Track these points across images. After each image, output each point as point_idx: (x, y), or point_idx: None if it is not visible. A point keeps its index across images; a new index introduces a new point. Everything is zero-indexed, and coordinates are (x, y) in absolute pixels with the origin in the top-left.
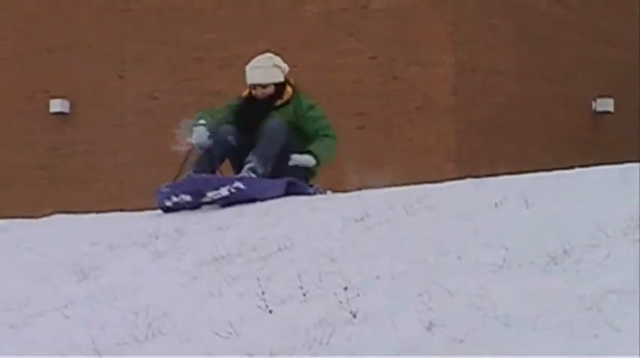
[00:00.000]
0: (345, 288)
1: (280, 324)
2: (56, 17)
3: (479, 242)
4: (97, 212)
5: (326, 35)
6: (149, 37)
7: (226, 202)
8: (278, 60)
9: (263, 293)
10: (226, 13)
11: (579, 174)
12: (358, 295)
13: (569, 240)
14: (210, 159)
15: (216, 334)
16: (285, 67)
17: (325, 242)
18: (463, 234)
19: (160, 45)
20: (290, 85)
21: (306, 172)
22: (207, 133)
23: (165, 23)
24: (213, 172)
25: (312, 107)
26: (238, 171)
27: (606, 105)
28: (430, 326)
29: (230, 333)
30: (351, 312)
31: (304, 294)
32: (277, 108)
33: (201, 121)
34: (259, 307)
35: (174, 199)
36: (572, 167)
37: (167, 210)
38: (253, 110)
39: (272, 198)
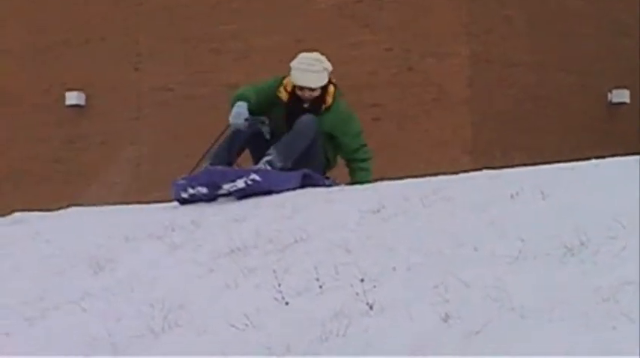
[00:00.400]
0: (362, 280)
1: (296, 316)
2: (72, 10)
3: (495, 233)
4: (113, 204)
5: (340, 27)
6: (164, 29)
7: (242, 194)
8: (326, 63)
9: (279, 285)
10: (241, 5)
11: (595, 165)
12: (374, 287)
13: (586, 232)
14: (230, 150)
15: (233, 326)
16: (331, 69)
17: (341, 233)
18: (479, 226)
19: (175, 37)
20: (333, 84)
21: (324, 165)
22: (247, 115)
23: (180, 15)
24: (230, 164)
25: (350, 118)
26: (257, 163)
27: (622, 96)
28: (446, 318)
29: (246, 325)
30: (367, 304)
31: (320, 286)
32: (321, 114)
33: (241, 102)
34: (275, 299)
35: (191, 191)
36: (588, 158)
37: (183, 201)
38: (295, 113)
39: (288, 190)
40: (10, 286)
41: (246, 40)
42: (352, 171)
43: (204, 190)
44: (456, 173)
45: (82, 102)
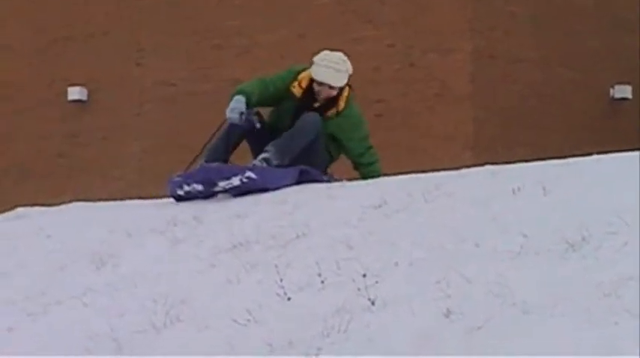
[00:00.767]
0: (364, 275)
1: (298, 312)
2: (74, 6)
3: (497, 229)
4: (116, 200)
5: (343, 23)
6: (167, 24)
7: (238, 192)
8: (349, 65)
9: (281, 280)
10: (244, 1)
11: (597, 160)
12: (376, 282)
13: (588, 227)
14: (226, 145)
15: (235, 321)
16: (351, 71)
17: (343, 229)
18: (481, 221)
19: (178, 33)
20: (349, 87)
21: (328, 161)
22: (243, 109)
23: (183, 11)
24: (226, 160)
25: (359, 124)
26: (255, 158)
27: (624, 92)
28: (448, 314)
29: (248, 320)
30: (369, 299)
31: (322, 281)
32: (329, 117)
33: (239, 97)
34: (278, 294)
35: (186, 188)
36: (589, 154)
37: (179, 198)
38: (304, 110)
39: (285, 186)
40: (12, 281)
41: (248, 36)
42: (362, 176)
43: (199, 187)
44: (458, 168)
45: (85, 97)
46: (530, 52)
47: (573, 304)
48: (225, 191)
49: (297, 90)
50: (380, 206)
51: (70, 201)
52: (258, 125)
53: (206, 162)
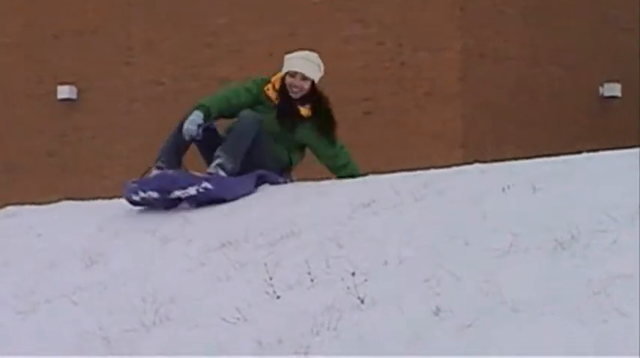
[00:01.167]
0: (353, 274)
1: (288, 310)
2: (63, 3)
3: (486, 227)
4: (106, 198)
5: (333, 21)
6: (157, 22)
7: (196, 202)
8: (321, 62)
9: (271, 278)
10: None
11: (587, 158)
12: (366, 280)
13: (577, 225)
14: (179, 147)
15: (224, 320)
16: (323, 71)
17: (332, 227)
18: (471, 219)
19: (168, 30)
20: (316, 96)
21: (281, 166)
22: (200, 122)
23: (172, 8)
24: (180, 161)
25: (328, 133)
26: (207, 155)
27: (614, 90)
28: (438, 311)
29: (238, 319)
30: (358, 298)
31: (312, 280)
32: (301, 120)
33: (198, 112)
34: (267, 293)
35: (142, 194)
36: (579, 152)
37: (134, 203)
38: (285, 110)
39: (243, 195)
40: (2, 280)
41: (239, 34)
42: (341, 177)
43: (155, 195)
44: (448, 166)
45: (74, 95)
46: (520, 50)
47: (563, 302)
48: (181, 200)
49: (272, 94)
50: (369, 204)
51: (60, 200)
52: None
53: (160, 166)
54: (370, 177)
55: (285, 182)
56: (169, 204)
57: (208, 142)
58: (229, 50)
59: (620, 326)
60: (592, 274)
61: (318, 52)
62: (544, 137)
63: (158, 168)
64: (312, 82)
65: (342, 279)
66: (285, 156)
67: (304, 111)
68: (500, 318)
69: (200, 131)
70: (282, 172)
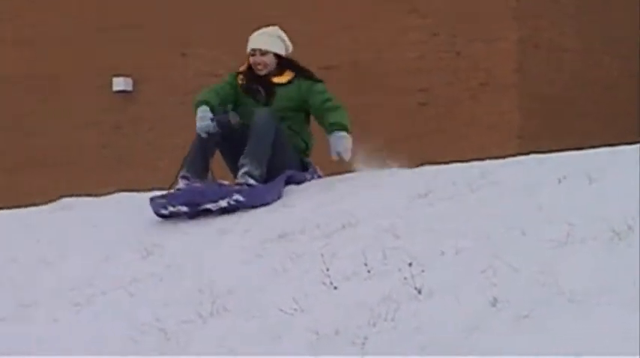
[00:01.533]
0: (410, 264)
1: (345, 301)
2: None
3: (542, 217)
4: (161, 190)
5: (388, 12)
6: (213, 14)
7: (225, 212)
8: (283, 35)
9: (327, 270)
10: None
11: None
12: (423, 271)
13: (633, 216)
14: (204, 154)
15: (281, 311)
16: (289, 45)
17: (389, 218)
18: (527, 210)
19: (224, 22)
20: (293, 66)
21: (303, 149)
22: (211, 115)
23: (227, 0)
24: (207, 169)
25: (315, 82)
26: (232, 162)
27: None
28: (495, 302)
29: (295, 310)
30: (415, 288)
31: (369, 271)
32: (279, 86)
33: (203, 107)
34: (324, 284)
35: (171, 209)
36: (634, 142)
37: (163, 216)
38: (254, 86)
39: (274, 200)
40: (58, 272)
41: (293, 26)
42: (326, 120)
43: (184, 208)
44: (504, 157)
45: (130, 87)
46: (575, 41)
47: (619, 292)
48: (212, 211)
49: (240, 78)
50: (426, 195)
51: (115, 192)
52: (234, 120)
53: (185, 175)
54: (426, 168)
55: (313, 177)
56: (198, 215)
57: (230, 145)
58: None
59: None
60: None
61: (372, 43)
62: (599, 128)
63: (183, 177)
64: (278, 55)
65: (399, 270)
66: (299, 141)
67: (281, 78)
68: (556, 309)
69: (215, 124)
70: (304, 162)
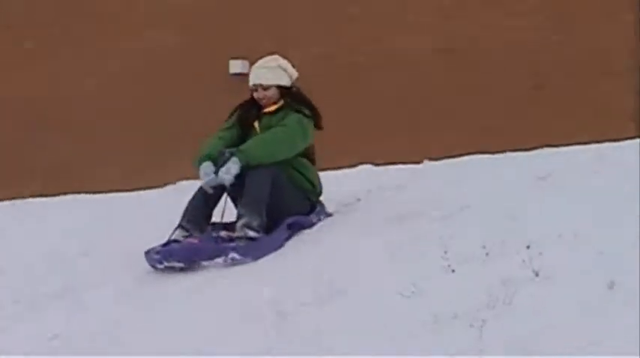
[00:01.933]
0: (528, 247)
1: (463, 283)
2: None
3: None
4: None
5: None
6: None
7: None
8: (284, 63)
9: (445, 252)
10: None
11: None
12: (540, 254)
13: None
14: (207, 204)
15: (400, 294)
16: (293, 72)
17: (507, 201)
18: None
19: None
20: (292, 96)
21: (309, 191)
22: (214, 168)
23: None
24: (209, 219)
25: (296, 112)
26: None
27: None
28: (611, 285)
29: (413, 293)
30: (533, 271)
31: (487, 253)
32: (267, 115)
33: (205, 163)
34: (442, 266)
35: (166, 264)
36: None
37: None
38: (248, 115)
39: (274, 250)
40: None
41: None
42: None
43: (179, 264)
44: (621, 140)
45: (246, 70)
46: None
47: None
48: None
49: (238, 112)
50: (544, 177)
51: None
52: (228, 180)
53: (185, 226)
54: (545, 150)
55: (319, 219)
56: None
57: (237, 188)
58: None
59: None
60: None
61: (488, 26)
62: None
63: (182, 227)
64: (282, 86)
65: (517, 253)
66: (304, 182)
67: (271, 107)
68: None
69: (215, 179)
70: (312, 202)
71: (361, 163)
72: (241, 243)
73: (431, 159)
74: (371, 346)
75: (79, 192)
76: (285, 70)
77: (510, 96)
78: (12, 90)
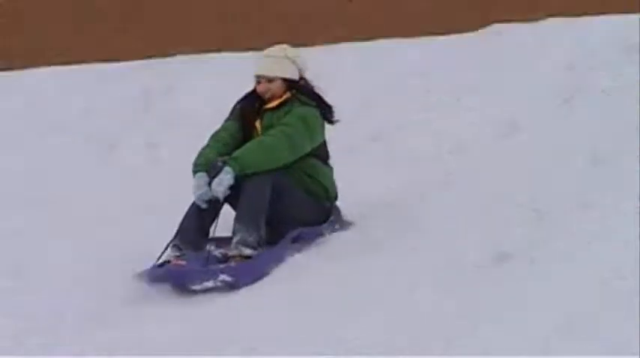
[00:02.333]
0: None
1: None
2: None
3: None
4: None
5: None
6: None
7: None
8: (292, 53)
9: None
10: None
11: None
12: None
13: None
14: (201, 220)
15: None
16: (301, 63)
17: None
18: None
19: None
20: (297, 88)
21: (322, 197)
22: (207, 180)
23: None
24: (205, 236)
25: (302, 105)
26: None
27: None
28: None
29: None
30: None
31: None
32: (268, 111)
33: (199, 174)
34: None
35: (158, 284)
36: None
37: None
38: (249, 112)
39: (273, 266)
40: None
41: None
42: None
43: (169, 287)
44: None
45: None
46: None
47: None
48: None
49: (238, 108)
50: None
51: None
52: (221, 192)
53: (177, 244)
54: None
55: (334, 229)
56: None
57: (237, 197)
58: None
59: None
60: None
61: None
62: None
63: (174, 246)
64: (288, 79)
65: None
66: (316, 187)
67: (273, 102)
68: None
69: (209, 192)
70: (325, 209)
71: None
72: (233, 264)
73: None
74: None
75: None
76: (293, 62)
77: None
78: None
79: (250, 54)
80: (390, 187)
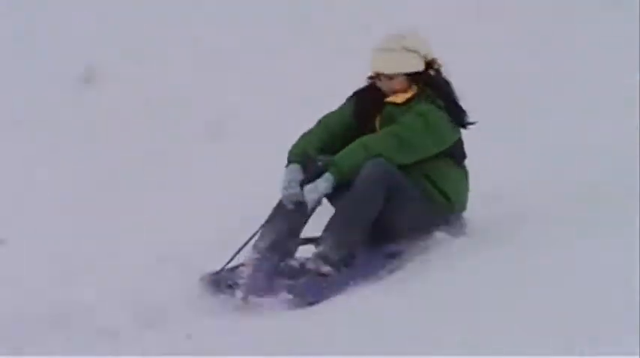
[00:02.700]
0: None
1: None
2: None
3: None
4: None
5: None
6: None
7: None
8: (413, 42)
9: None
10: None
11: None
12: None
13: None
14: (289, 224)
15: None
16: (424, 50)
17: None
18: None
19: None
20: (425, 79)
21: (437, 213)
22: (299, 178)
23: None
24: (297, 235)
25: (427, 102)
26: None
27: None
28: None
29: None
30: None
31: None
32: (392, 106)
33: (292, 166)
34: None
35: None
36: None
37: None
38: (368, 108)
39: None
40: None
41: None
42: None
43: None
44: None
45: None
46: None
47: None
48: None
49: (354, 102)
50: None
51: None
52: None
53: (258, 244)
54: None
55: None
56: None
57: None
58: None
59: None
60: None
61: None
62: None
63: (255, 248)
64: (413, 73)
65: None
66: (437, 195)
67: (397, 97)
68: None
69: (300, 193)
70: (444, 219)
71: None
72: (303, 280)
73: None
74: None
75: None
76: (416, 52)
77: None
78: None
79: None
80: None
